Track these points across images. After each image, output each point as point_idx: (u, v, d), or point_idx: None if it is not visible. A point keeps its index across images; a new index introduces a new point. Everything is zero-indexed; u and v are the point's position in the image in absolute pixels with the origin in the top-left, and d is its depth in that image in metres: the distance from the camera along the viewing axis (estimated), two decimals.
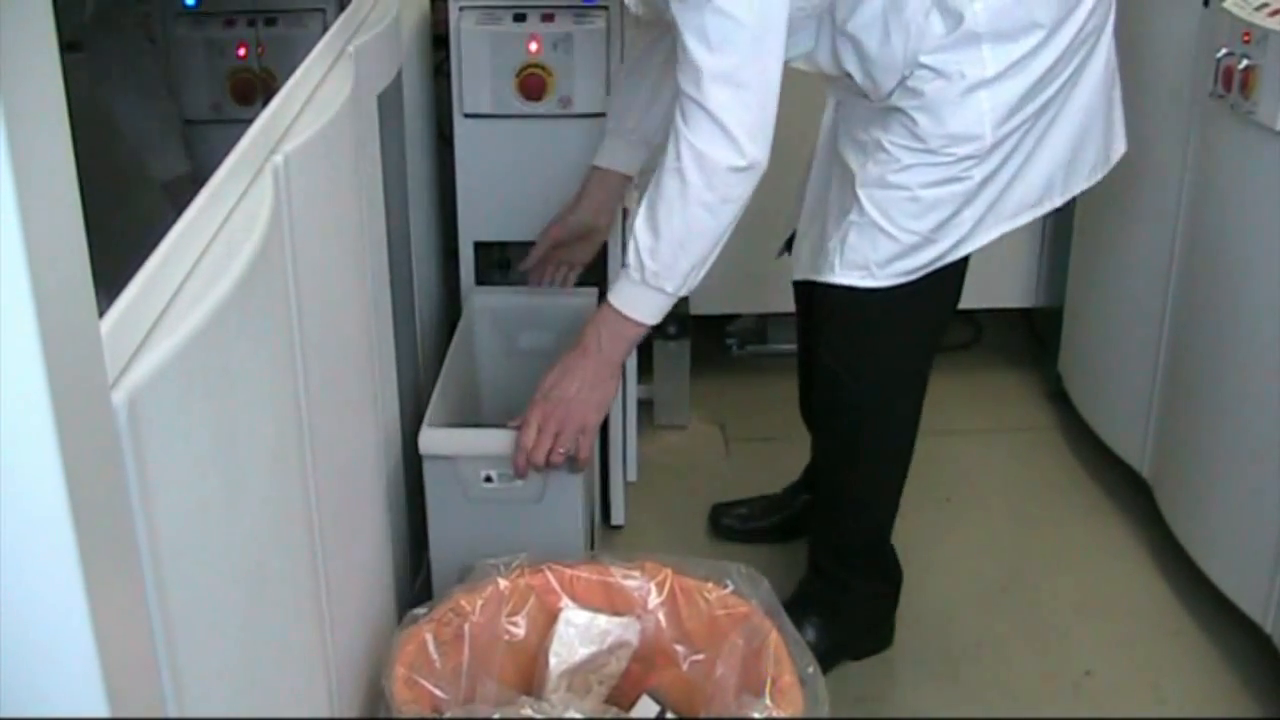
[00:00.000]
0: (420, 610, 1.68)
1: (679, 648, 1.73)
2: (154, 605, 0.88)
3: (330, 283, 1.43)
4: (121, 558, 0.83)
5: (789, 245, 2.29)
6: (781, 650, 1.63)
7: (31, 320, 0.70)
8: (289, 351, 1.21)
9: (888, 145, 1.91)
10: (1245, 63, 2.08)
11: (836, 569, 2.24)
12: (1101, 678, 2.26)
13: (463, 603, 1.70)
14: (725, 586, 1.74)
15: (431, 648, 1.63)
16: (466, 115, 2.44)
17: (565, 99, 2.41)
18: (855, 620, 2.25)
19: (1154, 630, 2.40)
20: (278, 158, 1.22)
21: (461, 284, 2.54)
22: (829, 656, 2.09)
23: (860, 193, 1.93)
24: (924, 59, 1.87)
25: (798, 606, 2.06)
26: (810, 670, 1.62)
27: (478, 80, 2.40)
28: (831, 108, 2.16)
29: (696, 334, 2.98)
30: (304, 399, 1.27)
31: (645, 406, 2.93)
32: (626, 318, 1.83)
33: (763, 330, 3.27)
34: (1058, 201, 2.02)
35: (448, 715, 1.55)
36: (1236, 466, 2.29)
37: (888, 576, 2.30)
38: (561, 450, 1.85)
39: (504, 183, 2.47)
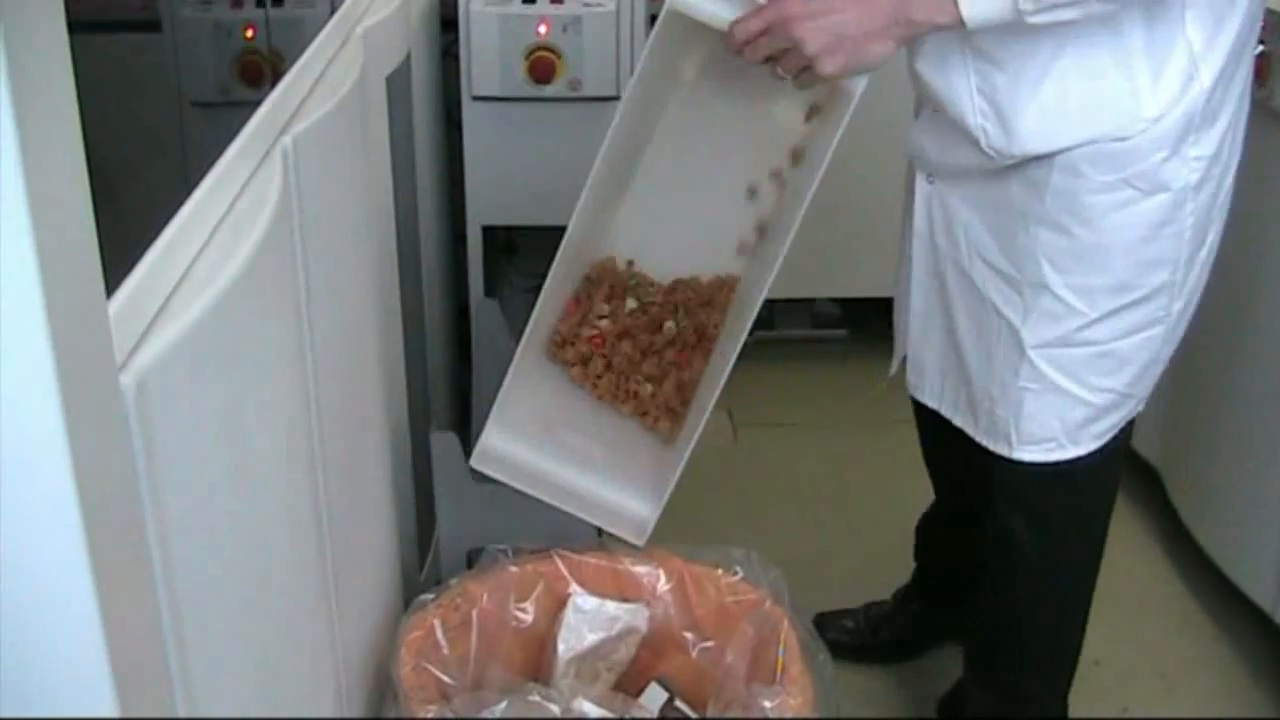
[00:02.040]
0: (428, 596, 1.67)
1: (688, 635, 1.72)
2: (161, 590, 0.87)
3: (339, 265, 1.42)
4: (129, 542, 0.82)
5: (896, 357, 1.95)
6: (792, 639, 1.62)
7: (39, 301, 0.68)
8: (298, 334, 1.20)
9: (1059, 289, 1.59)
10: (1261, 49, 2.06)
11: None
12: (1110, 667, 2.26)
13: (471, 589, 1.69)
14: (735, 573, 1.73)
15: (439, 634, 1.62)
16: (475, 98, 2.43)
17: (575, 82, 2.40)
18: None
19: (1163, 620, 2.40)
20: (286, 140, 1.21)
21: (469, 268, 2.53)
22: None
23: (1032, 354, 1.63)
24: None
25: None
26: (821, 659, 1.60)
27: (486, 63, 2.39)
28: (923, 197, 1.73)
29: None
30: (313, 382, 1.25)
31: None
32: None
33: (770, 317, 3.25)
34: None
35: (455, 702, 1.53)
36: (1247, 456, 2.28)
37: None
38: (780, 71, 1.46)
39: (513, 166, 2.46)
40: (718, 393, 1.65)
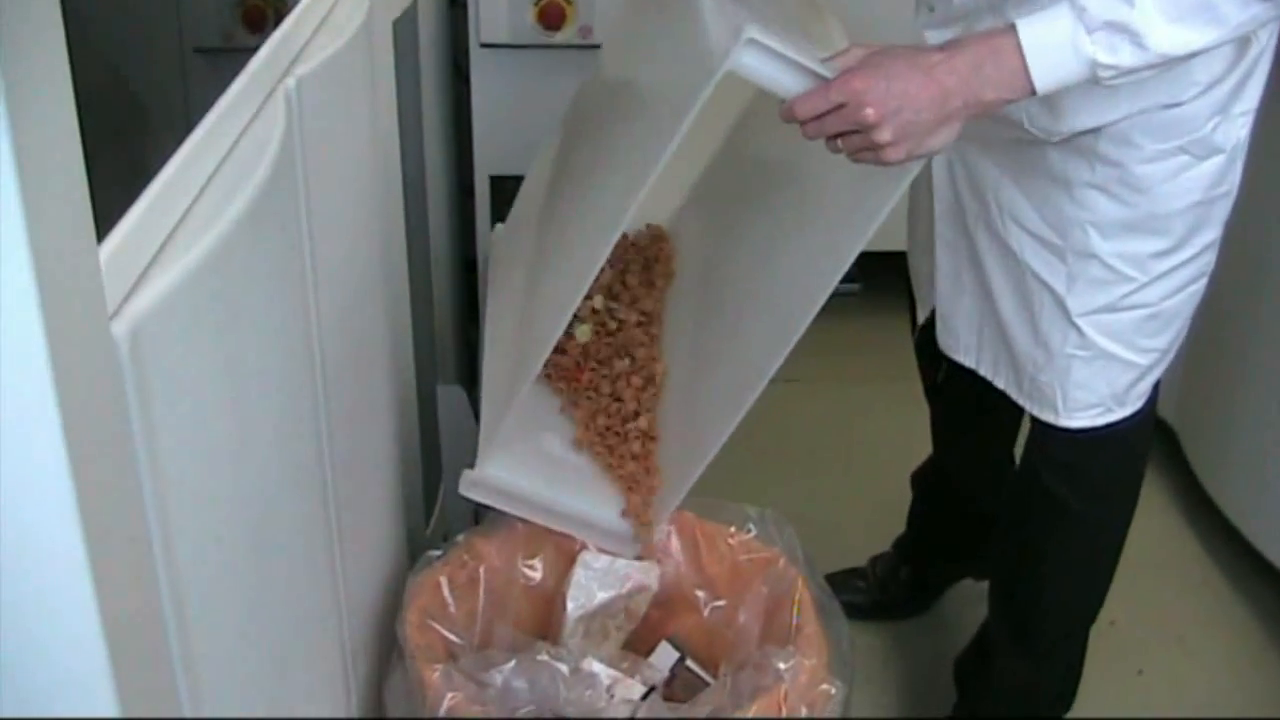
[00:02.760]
0: (435, 554, 1.64)
1: (700, 593, 1.69)
2: (158, 549, 0.83)
3: (344, 213, 1.38)
4: (123, 500, 0.78)
5: (917, 316, 1.93)
6: (806, 598, 1.59)
7: (24, 245, 0.64)
8: (300, 282, 1.16)
9: (1108, 258, 1.54)
10: None
11: (1009, 708, 1.93)
12: (1127, 628, 2.23)
13: (478, 546, 1.66)
14: (748, 531, 1.69)
15: (446, 592, 1.59)
16: (483, 45, 2.38)
17: (585, 28, 2.35)
18: None
19: (1180, 581, 2.38)
20: (290, 81, 1.16)
21: (477, 219, 2.49)
22: None
23: (1080, 322, 1.59)
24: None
25: None
26: (837, 618, 1.57)
27: (494, 9, 2.34)
28: (943, 155, 1.62)
29: None
30: (316, 333, 1.22)
31: None
32: (1023, 61, 1.27)
33: None
34: None
35: (462, 661, 1.50)
36: (1265, 414, 2.26)
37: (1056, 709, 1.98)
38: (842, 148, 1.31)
39: (521, 115, 2.42)
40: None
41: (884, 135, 1.26)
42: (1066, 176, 1.53)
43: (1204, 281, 1.61)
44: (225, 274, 0.92)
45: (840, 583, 2.15)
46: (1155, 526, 2.49)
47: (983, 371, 1.75)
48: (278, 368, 1.10)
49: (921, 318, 1.87)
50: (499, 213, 2.54)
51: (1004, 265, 1.64)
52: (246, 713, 1.06)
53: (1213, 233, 1.57)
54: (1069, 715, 1.96)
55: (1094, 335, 1.59)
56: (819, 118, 1.28)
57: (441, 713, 1.40)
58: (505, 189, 2.61)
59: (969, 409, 1.98)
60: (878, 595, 2.27)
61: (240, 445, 0.99)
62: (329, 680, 1.37)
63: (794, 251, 1.58)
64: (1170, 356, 1.66)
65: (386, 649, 1.55)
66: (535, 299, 1.66)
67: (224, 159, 1.00)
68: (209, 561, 0.93)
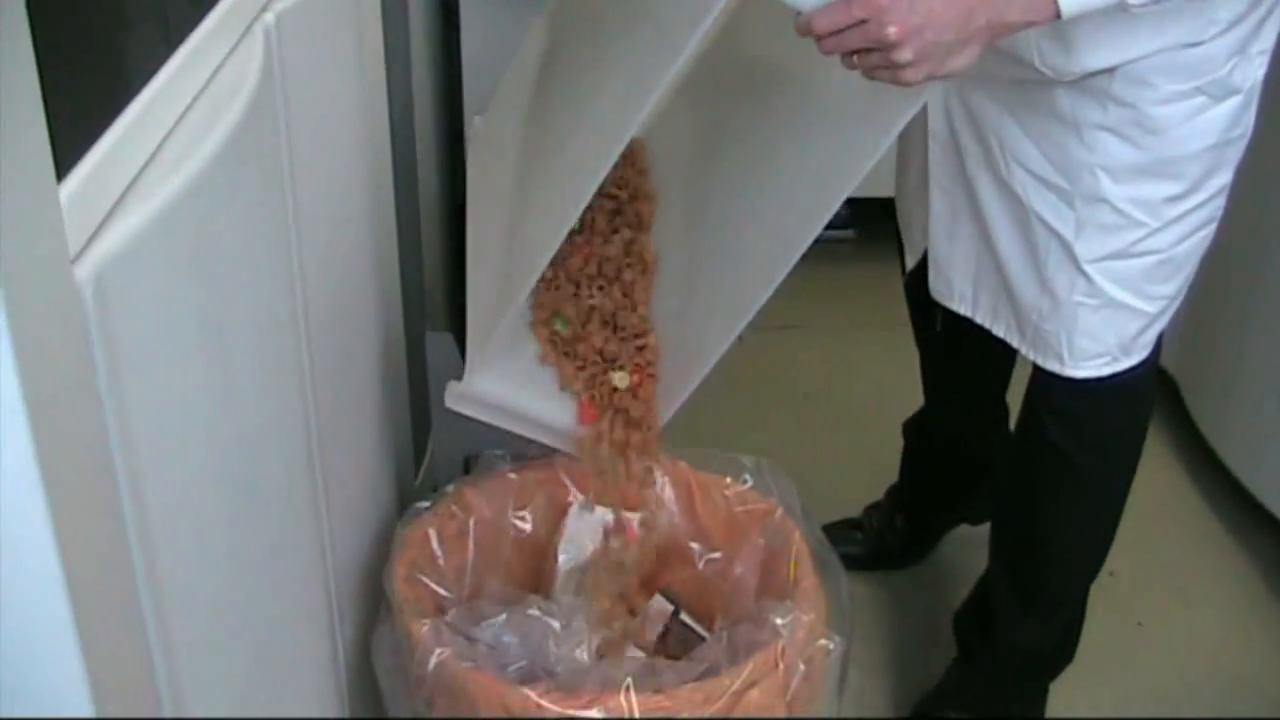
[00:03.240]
0: (423, 505, 1.60)
1: (695, 546, 1.66)
2: (128, 508, 0.79)
3: (327, 156, 1.33)
4: (89, 458, 0.74)
5: (905, 258, 1.88)
6: (804, 551, 1.55)
7: None
8: (282, 226, 1.11)
9: (1119, 203, 1.49)
10: None
11: (1004, 670, 1.91)
12: (1126, 580, 2.21)
13: (468, 497, 1.62)
14: (744, 482, 1.66)
15: (435, 544, 1.56)
16: None
17: None
18: (1014, 715, 1.96)
19: (1179, 532, 2.35)
20: (269, 16, 1.12)
21: (468, 163, 2.44)
22: None
23: (1088, 269, 1.53)
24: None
25: (949, 702, 1.89)
26: (834, 571, 1.54)
27: None
28: (939, 93, 1.59)
29: None
30: (299, 280, 1.17)
31: None
32: None
33: None
34: None
35: (451, 614, 1.47)
36: (1266, 363, 2.24)
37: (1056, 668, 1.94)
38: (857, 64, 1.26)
39: (511, 59, 2.36)
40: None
41: (904, 55, 1.22)
42: (1076, 118, 1.47)
43: (1214, 226, 1.57)
44: (198, 216, 0.87)
45: (837, 535, 2.12)
46: (1156, 478, 2.46)
47: (980, 319, 1.70)
48: (257, 315, 1.05)
49: (910, 264, 1.83)
50: None
51: (1007, 210, 1.58)
52: (228, 670, 1.02)
53: (1225, 176, 1.52)
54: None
55: (1102, 282, 1.53)
56: (838, 33, 1.23)
57: (430, 668, 1.36)
58: None
59: (962, 356, 1.95)
60: (875, 546, 2.24)
61: (217, 396, 0.95)
62: (315, 635, 1.34)
63: (795, 162, 1.53)
64: (1177, 303, 1.62)
65: (374, 602, 1.52)
66: (528, 211, 1.59)
67: (197, 95, 0.96)
68: (184, 517, 0.89)
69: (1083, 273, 1.53)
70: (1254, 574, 2.24)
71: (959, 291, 1.70)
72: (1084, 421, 1.68)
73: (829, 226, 2.80)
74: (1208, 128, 1.46)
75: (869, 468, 2.34)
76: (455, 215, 2.56)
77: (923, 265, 1.75)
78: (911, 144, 1.73)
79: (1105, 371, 1.60)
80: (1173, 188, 1.48)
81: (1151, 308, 1.57)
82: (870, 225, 3.09)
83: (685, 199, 1.75)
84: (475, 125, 1.97)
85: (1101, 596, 2.11)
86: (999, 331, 1.68)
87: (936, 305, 1.75)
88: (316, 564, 1.31)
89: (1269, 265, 2.23)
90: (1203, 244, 1.57)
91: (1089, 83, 1.44)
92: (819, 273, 3.04)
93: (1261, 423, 2.25)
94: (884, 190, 1.93)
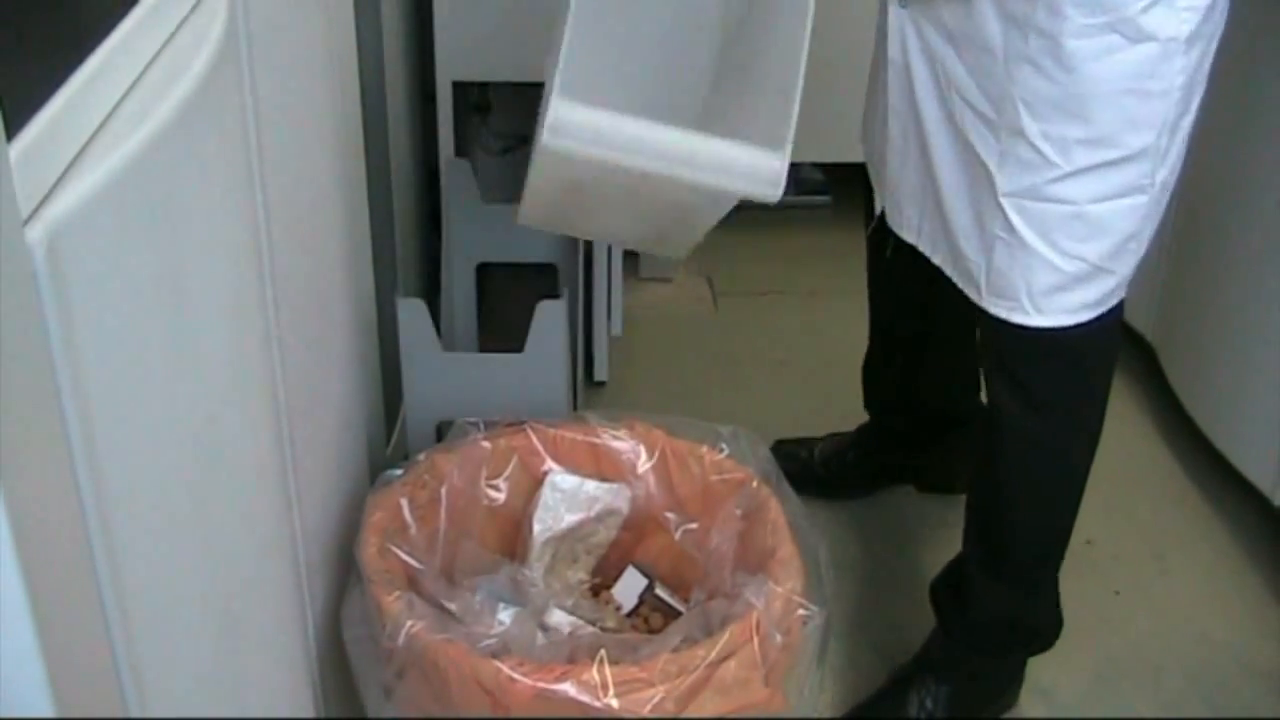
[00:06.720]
0: (394, 473, 1.58)
1: (671, 515, 1.64)
2: (85, 484, 0.76)
3: (295, 115, 1.30)
4: (42, 429, 0.71)
5: (874, 208, 1.87)
6: (780, 520, 1.53)
7: None
8: (247, 187, 1.08)
9: (1034, 137, 1.50)
10: None
11: (981, 640, 1.88)
12: (1103, 548, 2.20)
13: (440, 464, 1.60)
14: (720, 450, 1.64)
15: (406, 513, 1.54)
16: None
17: None
18: (992, 687, 1.92)
19: (1157, 499, 2.34)
20: None
21: (439, 127, 2.41)
22: None
23: (1004, 202, 1.55)
24: None
25: (927, 671, 1.87)
26: (813, 539, 1.52)
27: None
28: (896, 23, 1.65)
29: None
30: (266, 243, 1.14)
31: (630, 258, 2.81)
32: None
33: None
34: None
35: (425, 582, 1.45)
36: (1245, 331, 2.22)
37: (1039, 641, 1.91)
38: None
39: (486, 18, 2.32)
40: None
41: None
42: (1005, 49, 1.50)
43: (1145, 201, 1.54)
44: (157, 177, 0.84)
45: (784, 450, 2.19)
46: (1133, 444, 2.45)
47: (923, 248, 1.73)
48: (221, 280, 1.02)
49: (879, 207, 1.84)
50: (463, 120, 2.46)
51: (948, 139, 1.61)
52: (192, 643, 1.00)
53: (1148, 137, 1.50)
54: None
55: (1015, 219, 1.55)
56: None
57: (400, 640, 1.34)
58: (469, 96, 2.52)
59: (906, 290, 2.00)
60: (818, 470, 2.27)
61: (178, 363, 0.92)
62: (284, 605, 1.31)
63: None
64: (1112, 281, 1.60)
65: (344, 572, 1.50)
66: None
67: (158, 52, 0.92)
68: (144, 487, 0.87)
69: (1000, 206, 1.55)
70: (1231, 541, 2.23)
71: (909, 221, 1.74)
72: (1025, 380, 1.68)
73: (805, 192, 2.79)
74: (1119, 70, 1.46)
75: (842, 428, 2.33)
76: (428, 178, 2.53)
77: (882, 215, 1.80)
78: (876, 79, 1.77)
79: (1014, 318, 1.60)
80: (1082, 130, 1.49)
81: (1066, 266, 1.56)
82: (845, 191, 3.08)
83: None
84: None
85: (1078, 564, 2.10)
86: (936, 259, 1.71)
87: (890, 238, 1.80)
88: (285, 533, 1.28)
89: (1245, 232, 2.21)
90: (1130, 215, 1.55)
91: (1014, 9, 1.47)
92: (795, 238, 3.04)
93: (1238, 390, 2.24)
94: (858, 156, 1.91)
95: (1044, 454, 1.74)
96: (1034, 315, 1.59)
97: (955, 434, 2.13)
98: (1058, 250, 1.55)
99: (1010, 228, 1.55)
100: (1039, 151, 1.50)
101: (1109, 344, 1.71)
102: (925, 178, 1.67)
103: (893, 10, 1.63)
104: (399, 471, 1.59)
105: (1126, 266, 1.59)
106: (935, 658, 1.89)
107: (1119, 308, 1.65)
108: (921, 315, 2.05)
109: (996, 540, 1.83)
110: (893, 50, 1.65)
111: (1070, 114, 1.48)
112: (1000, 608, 1.83)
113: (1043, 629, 1.87)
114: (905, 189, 1.72)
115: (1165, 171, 1.54)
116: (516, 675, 1.28)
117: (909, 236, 1.75)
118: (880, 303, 2.15)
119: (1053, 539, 1.83)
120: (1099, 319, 1.62)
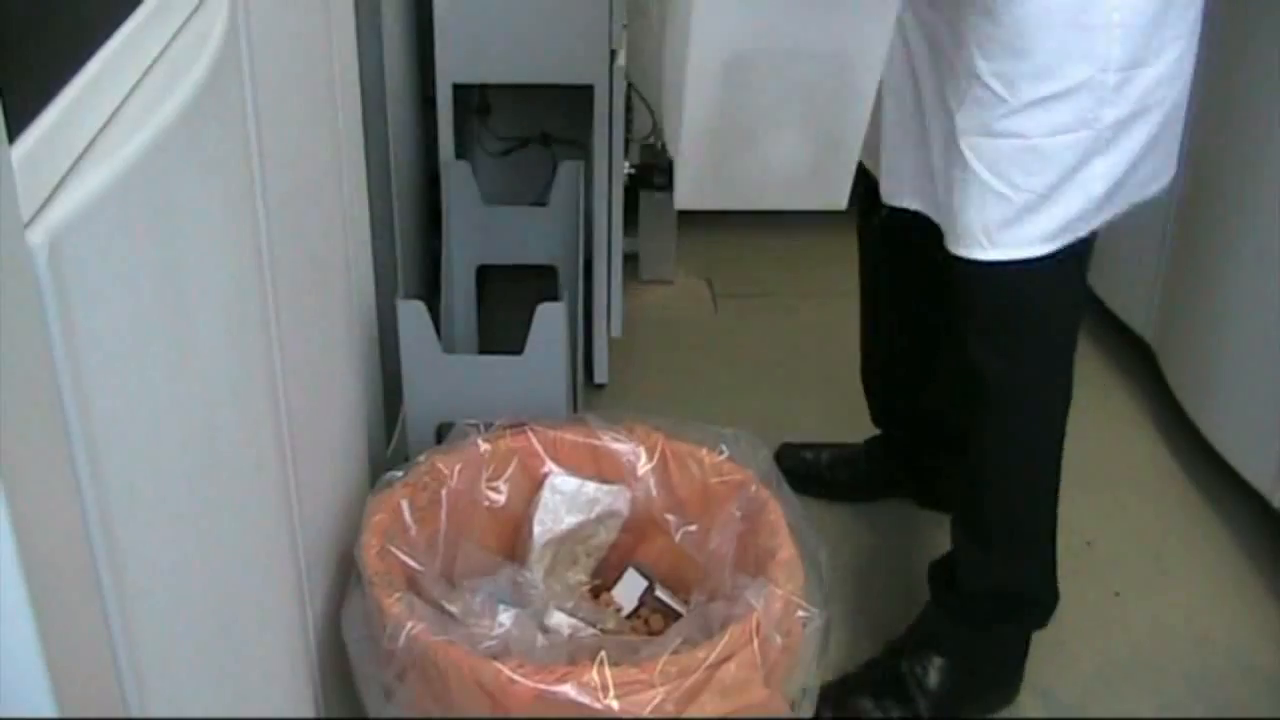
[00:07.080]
0: (395, 475, 1.59)
1: (670, 517, 1.64)
2: (86, 485, 0.76)
3: (295, 118, 1.30)
4: (44, 430, 0.71)
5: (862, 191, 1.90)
6: (780, 522, 1.54)
7: None
8: (247, 190, 1.08)
9: (986, 76, 1.57)
10: None
11: (976, 608, 1.89)
12: (1103, 549, 2.20)
13: (440, 466, 1.60)
14: (720, 452, 1.64)
15: (406, 515, 1.54)
16: None
17: None
18: (987, 665, 1.92)
19: (1157, 500, 2.34)
20: None
21: (440, 129, 2.41)
22: (948, 707, 1.87)
23: (960, 142, 1.62)
24: None
25: (920, 644, 1.88)
26: (812, 543, 1.52)
27: None
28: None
29: None
30: (266, 246, 1.14)
31: (630, 260, 2.82)
32: None
33: None
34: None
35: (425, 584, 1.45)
36: (1244, 331, 2.22)
37: (1032, 616, 1.93)
38: None
39: (487, 20, 2.32)
40: None
41: None
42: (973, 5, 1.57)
43: (1088, 136, 1.58)
44: (159, 179, 0.85)
45: (789, 452, 2.25)
46: (1131, 444, 2.45)
47: (918, 205, 1.78)
48: (222, 282, 1.03)
49: (876, 176, 1.89)
50: (463, 122, 2.46)
51: (936, 102, 1.69)
52: (192, 644, 1.00)
53: (1087, 70, 1.55)
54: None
55: (969, 156, 1.61)
56: None
57: (401, 642, 1.34)
58: (469, 98, 2.53)
59: (898, 268, 2.04)
60: (823, 473, 2.29)
61: (179, 365, 0.92)
62: (284, 606, 1.31)
63: None
64: (1060, 211, 1.62)
65: (344, 573, 1.50)
66: None
67: (159, 55, 0.92)
68: (145, 489, 0.87)
69: (957, 145, 1.62)
70: (1230, 542, 2.23)
71: (908, 187, 1.80)
72: (990, 326, 1.72)
73: None
74: (1053, 5, 1.52)
75: (843, 432, 2.33)
76: (428, 181, 2.53)
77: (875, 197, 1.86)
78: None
79: (975, 255, 1.64)
80: (1025, 65, 1.55)
81: (1017, 197, 1.60)
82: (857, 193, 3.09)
83: None
84: None
85: (1078, 565, 2.11)
86: (928, 210, 1.76)
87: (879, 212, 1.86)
88: (285, 535, 1.28)
89: (1244, 233, 2.21)
90: (1073, 148, 1.59)
91: None
92: (795, 240, 3.04)
93: (1238, 391, 2.24)
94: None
95: (1017, 404, 1.77)
96: (989, 249, 1.64)
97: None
98: (1008, 183, 1.60)
99: (965, 165, 1.61)
100: (990, 89, 1.57)
101: (1069, 291, 1.75)
102: (920, 150, 1.74)
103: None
104: (399, 473, 1.59)
105: (1075, 202, 1.62)
106: (928, 629, 1.91)
107: (1078, 261, 1.70)
108: (917, 321, 2.06)
109: (980, 504, 1.85)
110: (894, 47, 1.68)
111: (1016, 50, 1.54)
112: (986, 577, 1.84)
113: (1034, 601, 1.88)
114: (905, 161, 1.78)
115: (1114, 113, 1.57)
116: (517, 677, 1.29)
117: (902, 202, 1.80)
118: (873, 299, 2.17)
119: (1037, 500, 1.84)
120: (1055, 260, 1.65)
